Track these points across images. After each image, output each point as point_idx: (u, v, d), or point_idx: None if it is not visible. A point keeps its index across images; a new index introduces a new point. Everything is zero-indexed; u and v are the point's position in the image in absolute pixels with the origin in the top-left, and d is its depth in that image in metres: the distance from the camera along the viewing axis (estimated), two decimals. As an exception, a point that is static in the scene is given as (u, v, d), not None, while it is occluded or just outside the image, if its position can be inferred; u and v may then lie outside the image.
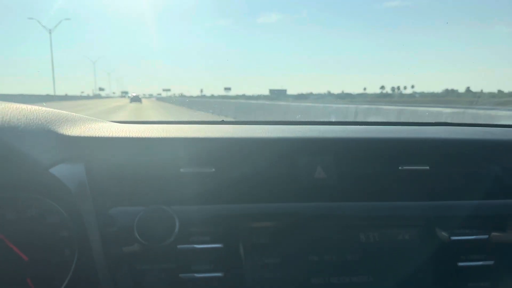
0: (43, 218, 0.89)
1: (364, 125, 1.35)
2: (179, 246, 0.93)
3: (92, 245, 0.89)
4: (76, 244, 0.89)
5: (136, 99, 31.74)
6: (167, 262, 0.93)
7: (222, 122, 1.29)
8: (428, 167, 1.07)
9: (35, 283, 0.88)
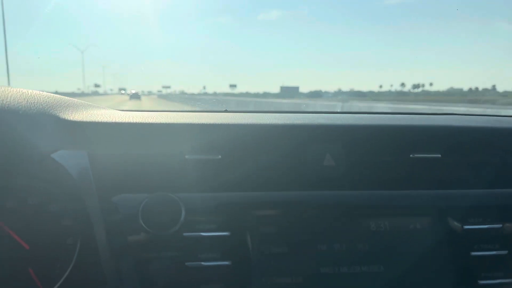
0: (45, 206, 0.88)
1: (371, 114, 1.32)
2: (185, 234, 0.91)
3: (95, 233, 0.87)
4: (79, 232, 0.87)
5: (135, 96, 31.95)
6: (173, 250, 0.91)
7: (226, 111, 1.27)
8: (440, 155, 1.05)
9: (36, 272, 0.86)
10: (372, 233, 0.98)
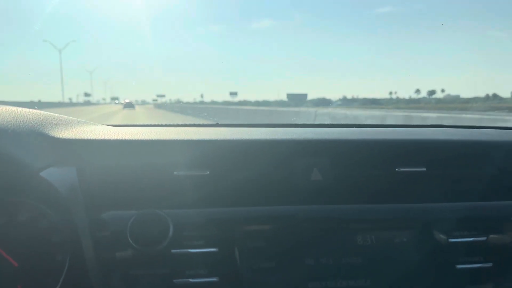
0: (34, 222, 0.88)
1: (360, 127, 1.34)
2: (173, 251, 0.91)
3: (84, 250, 0.87)
4: (68, 249, 0.87)
5: (129, 105, 31.95)
6: (161, 267, 0.91)
7: (217, 125, 1.28)
8: (425, 169, 1.07)
9: None
10: (358, 247, 0.98)
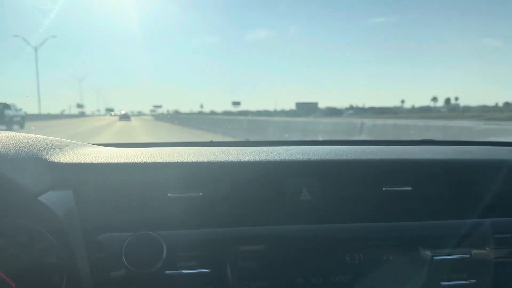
0: (32, 244, 0.89)
1: (349, 144, 1.38)
2: (167, 272, 0.94)
3: (80, 271, 0.89)
4: (65, 270, 0.89)
5: (125, 116, 31.85)
6: None
7: (211, 144, 1.30)
8: (410, 188, 1.10)
9: None
10: (347, 265, 1.01)
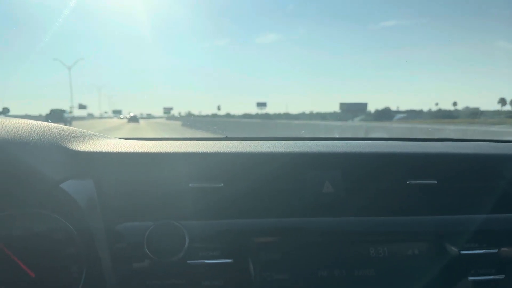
0: (51, 234, 0.89)
1: (369, 140, 1.35)
2: (189, 261, 0.93)
3: (101, 261, 0.88)
4: (85, 261, 0.88)
5: (133, 119, 32.03)
6: (178, 277, 0.93)
7: (226, 138, 1.30)
8: (435, 182, 1.08)
9: None
10: (371, 259, 0.99)
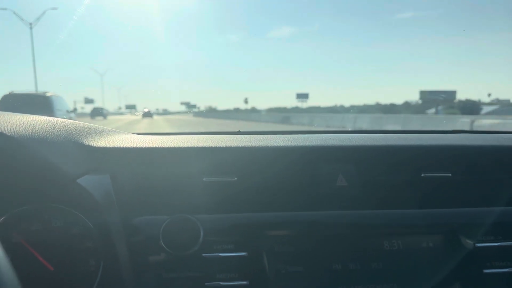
0: (69, 228, 0.90)
1: (382, 133, 1.34)
2: (204, 255, 0.94)
3: (118, 255, 0.90)
4: (102, 254, 0.90)
5: (147, 114, 33.53)
6: (193, 270, 0.94)
7: (239, 133, 1.31)
8: (450, 174, 1.07)
9: None
10: (385, 252, 0.99)
